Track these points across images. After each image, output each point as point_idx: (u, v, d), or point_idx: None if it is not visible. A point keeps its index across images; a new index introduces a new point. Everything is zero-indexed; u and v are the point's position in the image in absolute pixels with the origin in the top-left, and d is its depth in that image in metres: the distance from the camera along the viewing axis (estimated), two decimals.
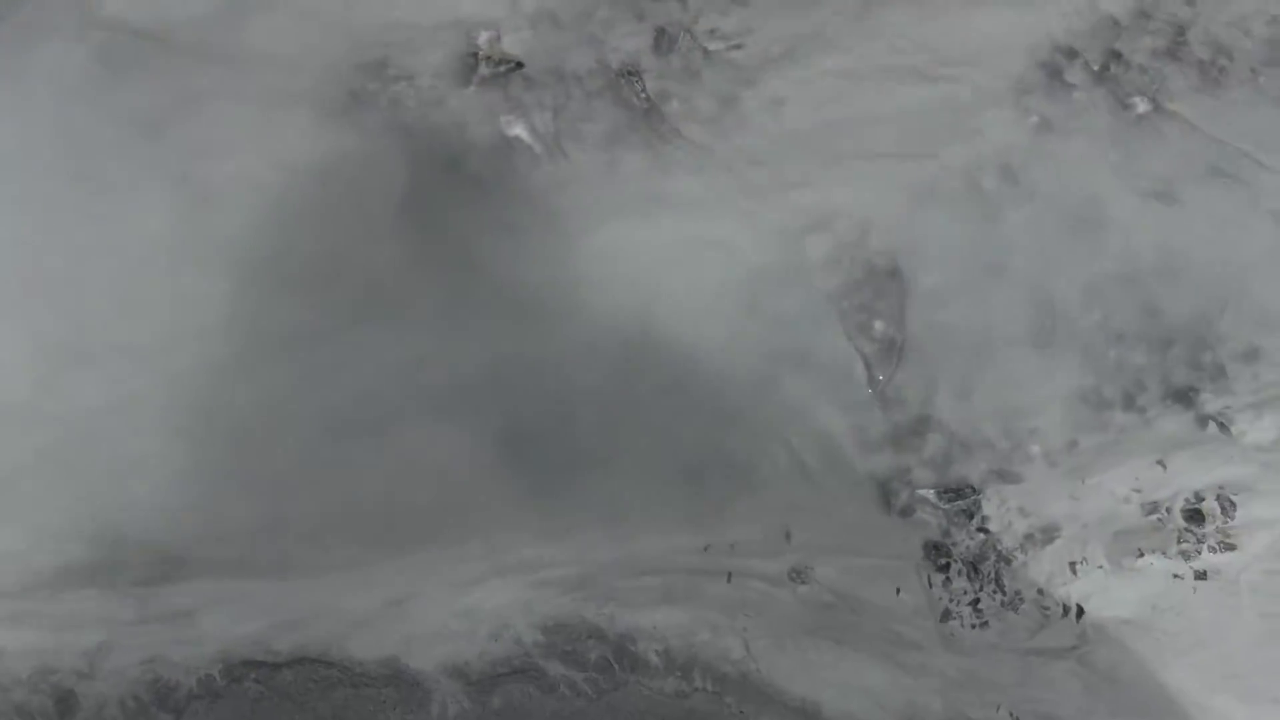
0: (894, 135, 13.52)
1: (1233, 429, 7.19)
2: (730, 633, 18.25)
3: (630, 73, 17.62)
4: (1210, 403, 7.63)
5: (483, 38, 20.86)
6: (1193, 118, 6.01)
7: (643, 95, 17.38)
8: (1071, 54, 7.96)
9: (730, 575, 18.66)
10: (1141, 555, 12.81)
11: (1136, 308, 10.94)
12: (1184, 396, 7.02)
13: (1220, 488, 6.70)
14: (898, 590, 16.10)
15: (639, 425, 19.10)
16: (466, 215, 20.07)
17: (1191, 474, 7.07)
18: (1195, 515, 9.54)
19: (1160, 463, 7.30)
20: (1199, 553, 11.47)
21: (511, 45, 20.31)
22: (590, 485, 19.26)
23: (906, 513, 16.53)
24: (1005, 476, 12.78)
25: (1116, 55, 7.66)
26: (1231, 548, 10.86)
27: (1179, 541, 8.68)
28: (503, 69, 20.75)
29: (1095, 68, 7.12)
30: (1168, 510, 7.92)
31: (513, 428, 19.60)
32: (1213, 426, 8.13)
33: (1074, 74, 7.52)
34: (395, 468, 19.65)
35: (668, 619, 18.62)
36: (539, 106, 19.68)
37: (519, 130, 20.70)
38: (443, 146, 20.41)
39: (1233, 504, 6.90)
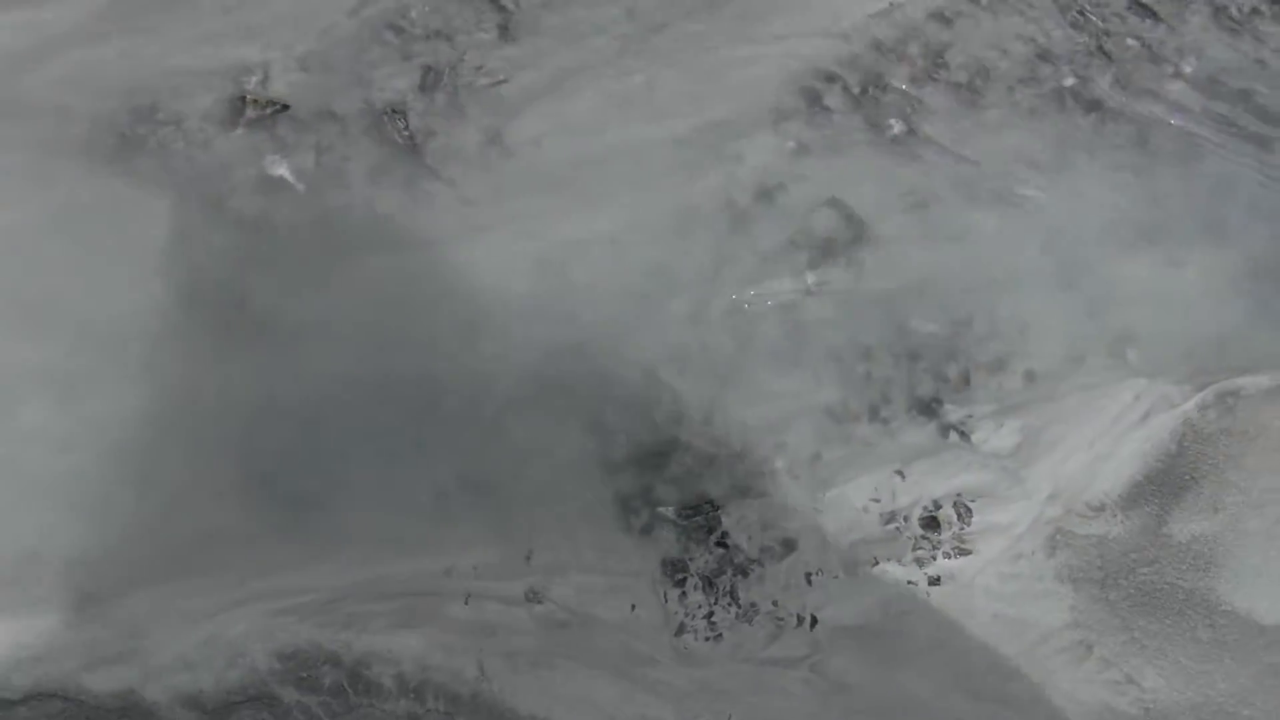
0: (656, 164, 13.91)
1: (974, 437, 7.25)
2: (465, 654, 17.68)
3: (394, 111, 18.17)
4: (953, 413, 7.72)
5: (251, 81, 21.68)
6: (947, 139, 6.27)
7: (405, 133, 17.88)
8: (832, 79, 8.12)
9: (468, 597, 18.19)
10: (877, 563, 12.67)
11: (887, 323, 11.11)
12: (928, 407, 7.13)
13: (959, 495, 6.72)
14: (633, 607, 15.78)
15: (383, 452, 18.95)
16: (228, 253, 20.32)
17: (931, 482, 7.08)
18: (932, 523, 9.57)
19: (899, 472, 7.32)
20: (934, 559, 11.37)
21: (282, 87, 21.10)
22: (333, 511, 18.94)
23: (647, 530, 16.45)
24: (748, 491, 12.82)
25: (877, 79, 7.91)
26: (966, 553, 10.81)
27: (914, 549, 8.58)
28: (269, 111, 21.51)
29: (855, 92, 7.44)
30: (905, 519, 7.90)
31: (257, 459, 19.30)
32: (954, 435, 8.21)
33: (833, 99, 7.88)
34: (139, 498, 19.07)
35: (404, 642, 18.07)
36: (303, 147, 20.32)
37: (282, 170, 21.31)
38: (208, 187, 20.88)
39: (969, 510, 6.89)
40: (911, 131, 6.15)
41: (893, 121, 6.10)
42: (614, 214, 11.75)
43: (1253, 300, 6.10)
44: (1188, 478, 5.53)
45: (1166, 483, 5.65)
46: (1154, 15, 6.95)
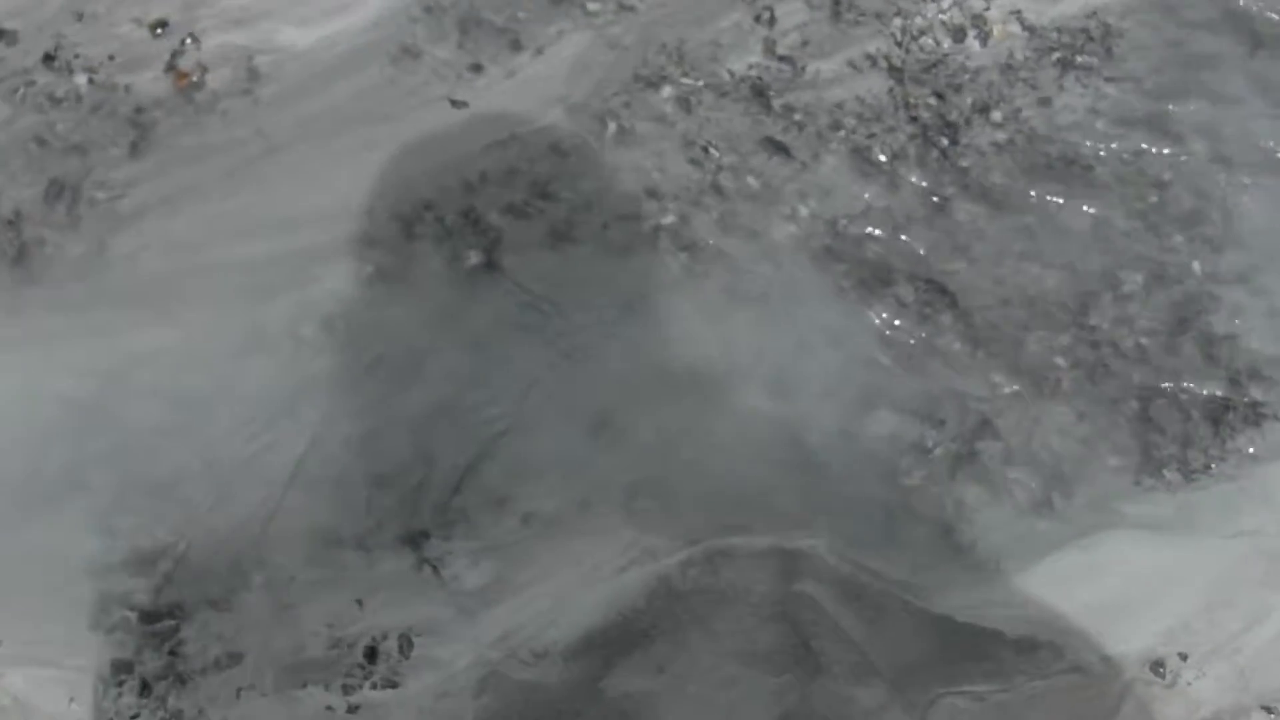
0: (236, 283, 10.42)
1: (445, 573, 4.45)
2: None
3: (10, 221, 14.88)
4: (437, 547, 4.76)
5: None
6: (527, 275, 4.32)
7: (16, 242, 14.52)
8: (428, 208, 6.10)
9: None
10: (305, 686, 8.16)
11: (402, 448, 7.62)
12: (414, 539, 4.42)
13: (409, 628, 3.98)
14: (70, 700, 10.12)
15: None
16: None
17: (386, 613, 4.17)
18: (372, 652, 5.87)
19: (359, 601, 4.43)
20: (360, 688, 7.22)
21: None
22: None
23: (111, 630, 11.06)
24: (217, 605, 8.41)
25: (470, 210, 5.88)
26: (394, 685, 6.87)
27: (345, 675, 5.12)
28: None
29: (447, 221, 5.39)
30: (349, 646, 4.75)
31: None
32: (427, 569, 5.11)
33: (423, 228, 5.71)
34: None
35: None
36: None
37: None
38: None
39: (411, 644, 4.09)
40: (490, 264, 4.24)
41: (471, 253, 4.23)
42: (186, 330, 8.29)
43: (772, 461, 3.96)
44: (643, 634, 3.22)
45: (620, 637, 3.26)
46: (785, 151, 4.82)
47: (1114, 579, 4.24)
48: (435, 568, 4.07)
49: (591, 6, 5.58)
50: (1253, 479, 4.46)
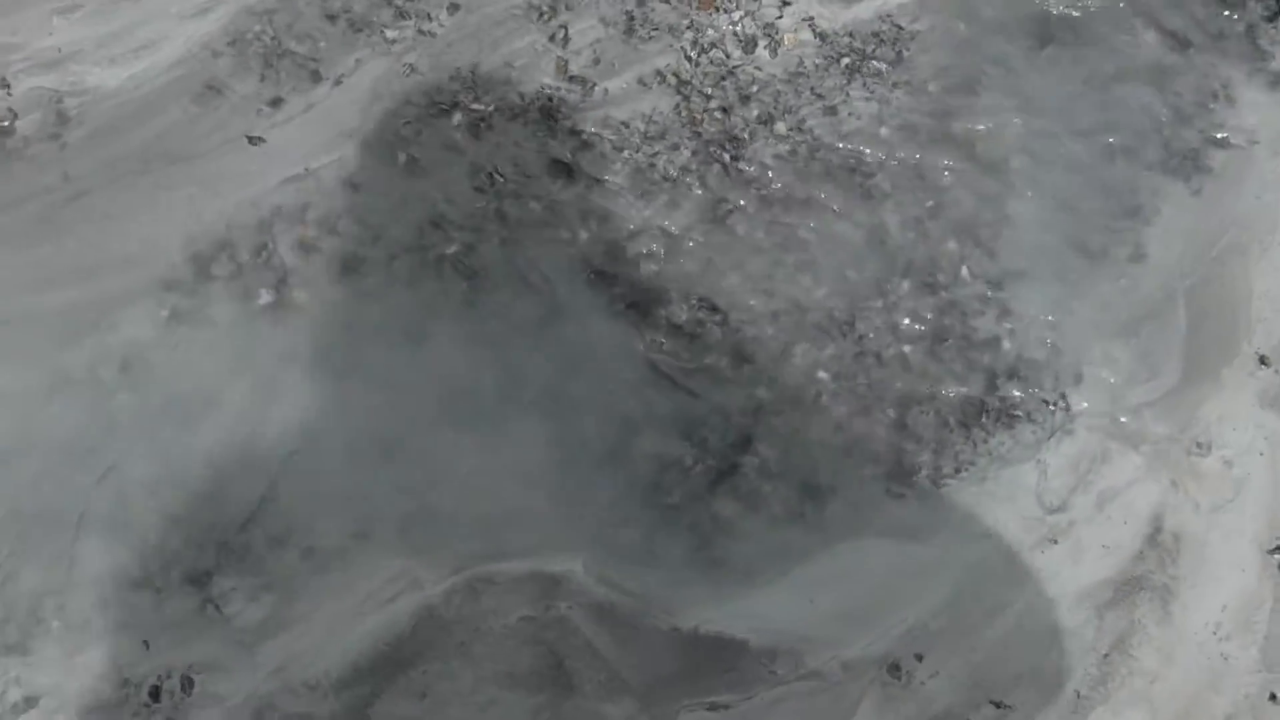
0: (42, 333, 10.49)
1: (226, 610, 4.60)
2: None
3: None
4: (220, 584, 4.91)
5: None
6: (316, 307, 4.38)
7: None
8: (223, 247, 6.05)
9: None
10: None
11: (193, 487, 7.78)
12: (200, 579, 4.55)
13: (190, 665, 4.14)
14: None
15: None
16: None
17: (173, 651, 4.34)
18: (156, 692, 6.06)
19: (145, 642, 4.55)
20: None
21: None
22: None
23: None
24: (14, 649, 8.71)
25: (263, 247, 5.87)
26: None
27: (133, 715, 5.28)
28: None
29: (241, 259, 5.42)
30: (136, 686, 4.89)
31: None
32: (210, 608, 5.24)
33: (220, 267, 5.74)
34: None
35: None
36: None
37: None
38: None
39: (192, 682, 4.27)
40: (280, 301, 4.33)
41: (264, 291, 4.29)
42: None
43: (540, 486, 4.21)
44: (408, 662, 3.56)
45: (386, 666, 3.60)
46: (569, 174, 4.92)
47: (859, 586, 4.50)
48: (218, 605, 4.32)
49: (390, 34, 5.70)
50: (999, 480, 4.71)
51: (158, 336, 4.92)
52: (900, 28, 5.74)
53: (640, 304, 5.03)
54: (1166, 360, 4.88)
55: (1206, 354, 4.90)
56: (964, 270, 5.15)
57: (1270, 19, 5.68)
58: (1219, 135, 5.32)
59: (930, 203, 5.31)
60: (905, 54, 5.68)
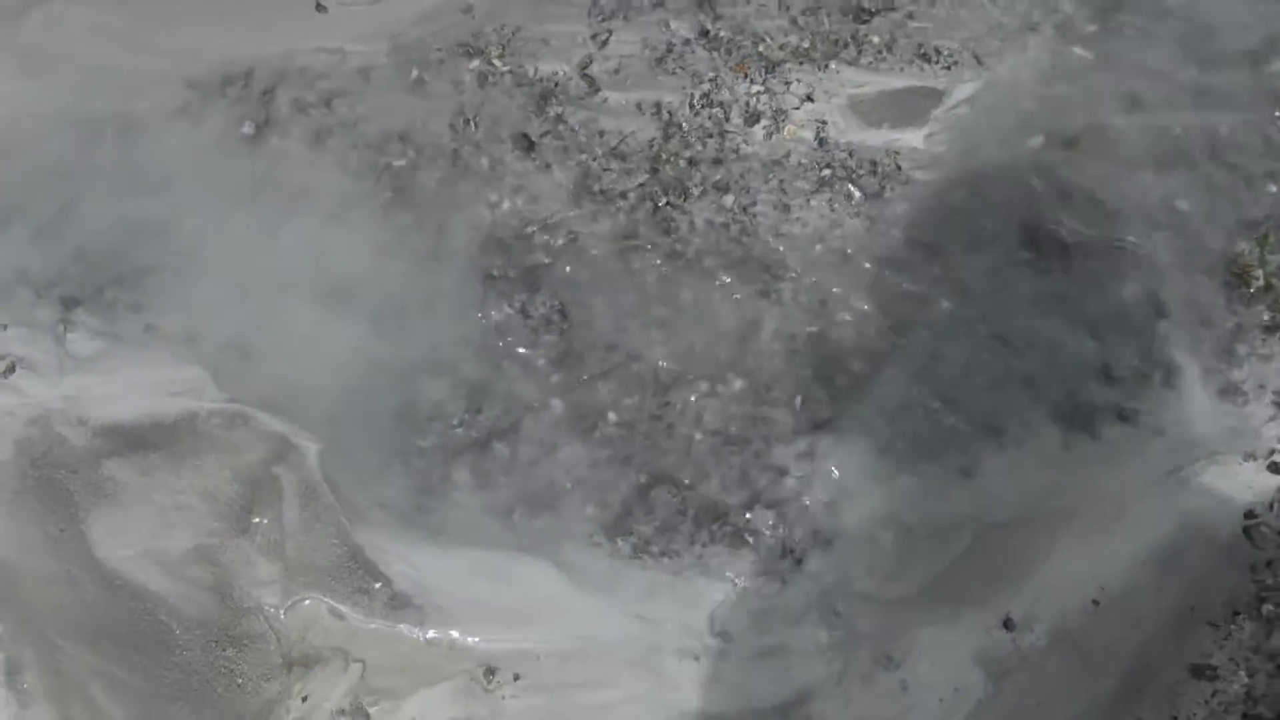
0: (79, 76, 11.99)
1: (68, 335, 5.29)
2: None
3: None
4: (78, 315, 5.72)
5: None
6: (279, 157, 5.08)
7: None
8: (246, 77, 6.49)
9: None
10: None
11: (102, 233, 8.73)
12: (68, 302, 5.25)
13: (20, 358, 4.91)
14: None
15: None
16: None
17: (18, 346, 5.20)
18: None
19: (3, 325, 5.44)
20: None
21: None
22: None
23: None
24: None
25: (271, 91, 6.30)
26: None
27: None
28: None
29: (248, 93, 5.92)
30: None
31: None
32: (59, 327, 5.95)
33: (233, 90, 6.26)
34: None
35: None
36: None
37: None
38: None
39: (14, 369, 4.97)
40: (256, 138, 4.99)
41: (249, 123, 4.88)
42: None
43: (340, 372, 4.88)
44: (147, 443, 4.64)
45: (134, 438, 4.49)
46: (529, 150, 5.33)
47: (515, 593, 4.94)
48: (65, 327, 5.31)
49: None
50: (690, 583, 4.98)
51: (161, 119, 5.92)
52: (899, 169, 5.88)
53: (511, 282, 5.56)
54: (917, 572, 4.92)
55: (962, 587, 4.90)
56: (798, 400, 5.35)
57: (1270, 329, 5.39)
58: (1130, 408, 5.16)
59: (813, 330, 5.50)
60: (887, 193, 5.83)
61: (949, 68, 6.06)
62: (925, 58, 6.07)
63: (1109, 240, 5.71)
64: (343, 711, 4.60)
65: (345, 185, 5.70)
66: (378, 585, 4.74)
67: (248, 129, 5.82)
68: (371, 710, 4.62)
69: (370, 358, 5.26)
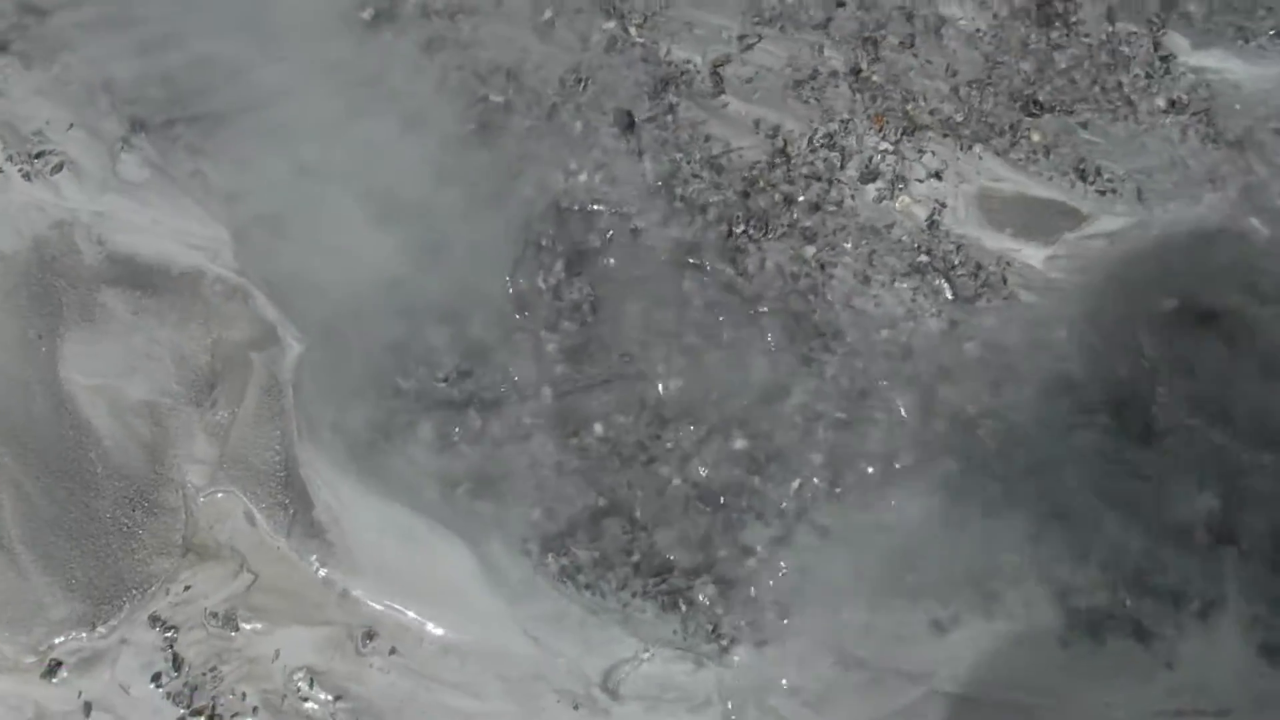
0: None
1: (123, 155, 5.28)
2: None
3: None
4: (136, 140, 5.75)
5: None
6: (385, 48, 5.03)
7: None
8: None
9: None
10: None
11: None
12: (136, 125, 5.33)
13: (72, 161, 5.09)
14: None
15: None
16: None
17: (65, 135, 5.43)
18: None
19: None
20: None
21: None
22: None
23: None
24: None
25: None
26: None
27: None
28: None
29: None
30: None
31: None
32: (119, 145, 5.98)
33: None
34: None
35: None
36: None
37: None
38: None
39: (61, 169, 5.08)
40: (371, 24, 4.91)
41: (370, 8, 4.83)
42: None
43: (369, 291, 4.52)
44: (142, 283, 4.65)
45: (135, 272, 4.69)
46: (629, 130, 5.00)
47: (426, 567, 4.66)
48: (124, 146, 5.30)
49: None
50: (604, 627, 4.61)
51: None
52: (1005, 282, 5.30)
53: (550, 252, 5.25)
54: (844, 712, 4.46)
55: None
56: (795, 483, 4.89)
57: None
58: (1150, 627, 4.73)
59: (841, 416, 5.02)
60: (981, 303, 5.26)
61: (1104, 193, 5.38)
62: (1082, 174, 5.41)
63: (1208, 439, 4.98)
64: (215, 615, 4.40)
65: (436, 102, 5.46)
66: (295, 506, 4.51)
67: (367, 14, 5.63)
68: (242, 625, 4.40)
69: (387, 279, 5.03)
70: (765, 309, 5.15)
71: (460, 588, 4.54)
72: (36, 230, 5.08)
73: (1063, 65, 5.72)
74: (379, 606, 4.49)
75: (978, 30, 5.75)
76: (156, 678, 4.41)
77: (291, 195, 5.25)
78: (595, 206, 5.26)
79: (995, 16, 5.79)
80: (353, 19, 5.67)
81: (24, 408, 4.72)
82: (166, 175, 5.29)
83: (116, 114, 5.43)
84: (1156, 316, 5.15)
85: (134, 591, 4.48)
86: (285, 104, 5.48)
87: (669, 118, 5.49)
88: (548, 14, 5.69)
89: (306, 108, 5.44)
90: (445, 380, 4.90)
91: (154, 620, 4.49)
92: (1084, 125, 5.60)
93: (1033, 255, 5.28)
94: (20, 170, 5.19)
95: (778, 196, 5.35)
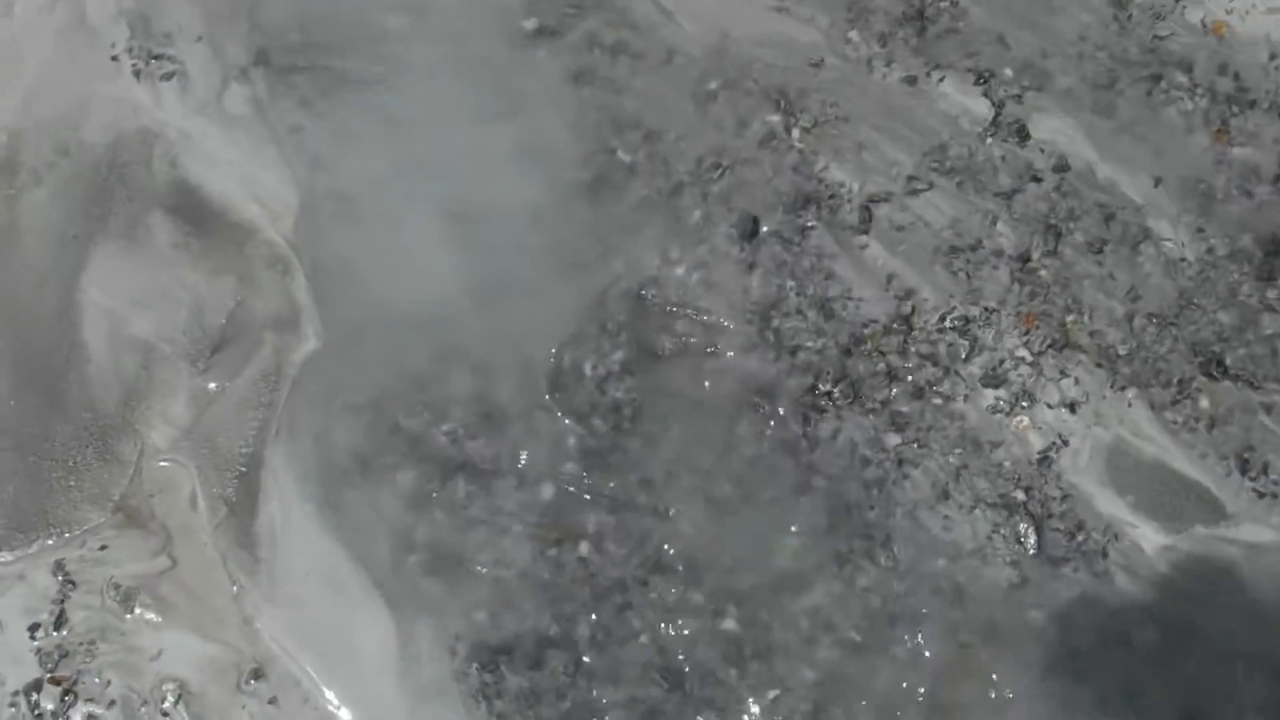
0: None
1: (231, 91, 5.26)
2: None
3: None
4: (258, 73, 5.58)
5: None
6: (536, 59, 4.61)
7: None
8: None
9: None
10: None
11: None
12: (259, 57, 5.15)
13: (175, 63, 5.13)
14: None
15: None
16: None
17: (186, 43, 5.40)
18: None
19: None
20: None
21: None
22: None
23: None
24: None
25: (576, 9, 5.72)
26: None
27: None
28: None
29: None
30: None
31: None
32: (238, 73, 5.82)
33: None
34: None
35: None
36: None
37: None
38: None
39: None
40: (530, 36, 4.40)
41: (533, 20, 4.28)
42: None
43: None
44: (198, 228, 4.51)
45: (198, 213, 4.59)
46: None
47: (342, 625, 4.19)
48: (238, 77, 5.06)
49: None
50: None
51: None
52: (1105, 555, 4.48)
53: (612, 343, 4.70)
54: None
55: None
56: (773, 694, 4.20)
57: None
58: None
59: (858, 639, 4.30)
60: (1067, 569, 4.46)
61: (1263, 495, 4.45)
62: (1245, 464, 4.49)
63: None
64: (116, 587, 4.00)
65: (562, 139, 4.98)
66: (238, 507, 4.07)
67: (530, 24, 5.20)
68: (138, 610, 3.97)
69: (433, 304, 4.55)
70: (818, 485, 4.42)
71: (368, 663, 3.99)
72: (122, 129, 4.84)
73: (1269, 331, 4.77)
74: (277, 648, 3.96)
75: (1182, 260, 4.87)
76: (34, 628, 4.01)
77: (377, 183, 4.84)
78: (678, 309, 4.64)
79: (1209, 251, 4.90)
80: (514, 26, 5.24)
81: (32, 302, 4.44)
82: (265, 120, 4.97)
83: (248, 42, 5.14)
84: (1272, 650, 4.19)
85: (53, 530, 4.10)
86: (412, 88, 5.09)
87: (797, 239, 4.83)
88: (713, 85, 5.11)
89: (430, 95, 5.03)
90: (449, 436, 4.37)
91: (58, 567, 4.10)
92: (1268, 409, 4.64)
93: (1148, 537, 4.38)
94: (134, 65, 4.97)
95: (882, 366, 4.62)
